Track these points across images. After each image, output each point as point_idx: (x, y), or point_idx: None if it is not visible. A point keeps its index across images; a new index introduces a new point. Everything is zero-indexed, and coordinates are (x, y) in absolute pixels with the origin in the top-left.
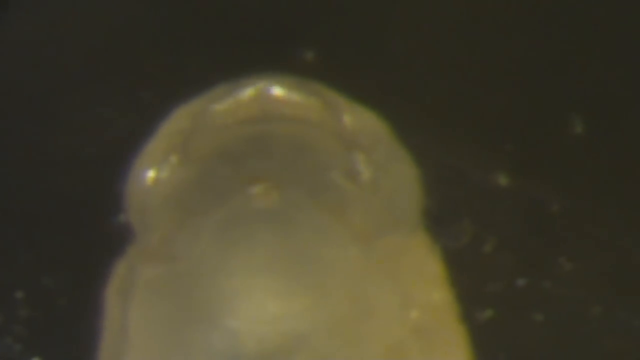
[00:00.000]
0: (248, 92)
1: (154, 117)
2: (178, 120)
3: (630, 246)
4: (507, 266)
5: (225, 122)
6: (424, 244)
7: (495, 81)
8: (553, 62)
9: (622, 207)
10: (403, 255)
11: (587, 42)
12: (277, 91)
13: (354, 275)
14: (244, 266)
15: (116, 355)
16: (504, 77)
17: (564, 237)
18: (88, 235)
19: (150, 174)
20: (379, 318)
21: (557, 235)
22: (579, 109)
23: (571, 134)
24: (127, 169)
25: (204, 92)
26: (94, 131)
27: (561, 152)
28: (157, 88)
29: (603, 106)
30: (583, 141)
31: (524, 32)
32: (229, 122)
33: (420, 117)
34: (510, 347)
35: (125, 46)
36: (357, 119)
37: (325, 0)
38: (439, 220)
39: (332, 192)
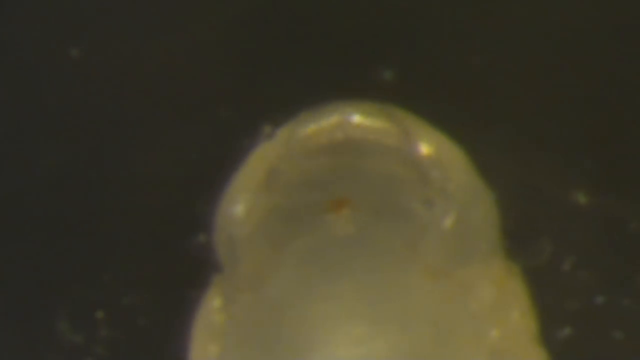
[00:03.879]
0: (330, 119)
1: (234, 137)
2: (264, 150)
3: None
4: (586, 284)
5: (308, 150)
6: (503, 265)
7: (574, 99)
8: (633, 79)
9: None
10: (481, 279)
11: None
12: (359, 118)
13: (431, 302)
14: (328, 293)
15: None
16: (583, 95)
17: None
18: (169, 256)
19: (238, 207)
20: (457, 342)
21: (636, 253)
22: None
23: None
24: (206, 189)
25: (282, 109)
26: (175, 152)
27: None
28: (237, 108)
29: None
30: None
31: (603, 49)
32: (311, 150)
33: (498, 135)
34: None
35: (207, 66)
36: (434, 146)
37: (405, 20)
38: (518, 239)
39: (408, 221)
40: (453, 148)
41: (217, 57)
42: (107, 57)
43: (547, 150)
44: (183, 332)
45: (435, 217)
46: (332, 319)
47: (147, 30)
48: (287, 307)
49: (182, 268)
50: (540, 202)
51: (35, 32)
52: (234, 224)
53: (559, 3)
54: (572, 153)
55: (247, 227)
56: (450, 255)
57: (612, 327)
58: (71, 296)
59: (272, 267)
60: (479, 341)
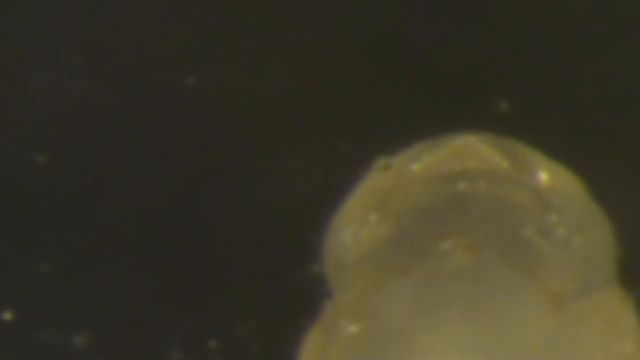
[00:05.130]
0: (446, 149)
1: (348, 169)
2: (377, 178)
3: None
4: None
5: (424, 180)
6: (618, 297)
7: None
8: None
9: None
10: (596, 311)
11: None
12: (475, 148)
13: (545, 334)
14: (440, 325)
15: None
16: None
17: None
18: (281, 286)
19: (350, 232)
20: None
21: None
22: None
23: None
24: (322, 220)
25: (397, 141)
26: (289, 181)
27: None
28: (352, 139)
29: None
30: None
31: None
32: (427, 180)
33: (613, 166)
34: None
35: (322, 96)
36: (551, 176)
37: (521, 52)
38: (632, 269)
39: (526, 252)
40: (570, 177)
41: (331, 87)
42: (222, 86)
43: None
44: None
45: (555, 246)
46: (444, 350)
47: (263, 61)
48: (397, 337)
49: (295, 298)
50: None
51: (150, 61)
52: (343, 250)
53: None
54: None
55: (356, 254)
56: (572, 283)
57: None
58: (184, 326)
59: (382, 297)
60: None
